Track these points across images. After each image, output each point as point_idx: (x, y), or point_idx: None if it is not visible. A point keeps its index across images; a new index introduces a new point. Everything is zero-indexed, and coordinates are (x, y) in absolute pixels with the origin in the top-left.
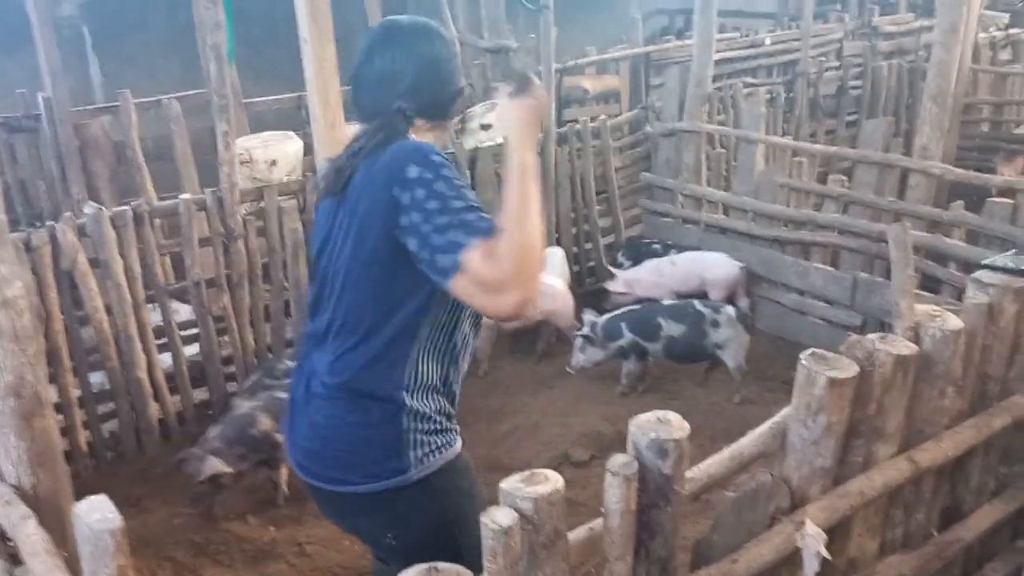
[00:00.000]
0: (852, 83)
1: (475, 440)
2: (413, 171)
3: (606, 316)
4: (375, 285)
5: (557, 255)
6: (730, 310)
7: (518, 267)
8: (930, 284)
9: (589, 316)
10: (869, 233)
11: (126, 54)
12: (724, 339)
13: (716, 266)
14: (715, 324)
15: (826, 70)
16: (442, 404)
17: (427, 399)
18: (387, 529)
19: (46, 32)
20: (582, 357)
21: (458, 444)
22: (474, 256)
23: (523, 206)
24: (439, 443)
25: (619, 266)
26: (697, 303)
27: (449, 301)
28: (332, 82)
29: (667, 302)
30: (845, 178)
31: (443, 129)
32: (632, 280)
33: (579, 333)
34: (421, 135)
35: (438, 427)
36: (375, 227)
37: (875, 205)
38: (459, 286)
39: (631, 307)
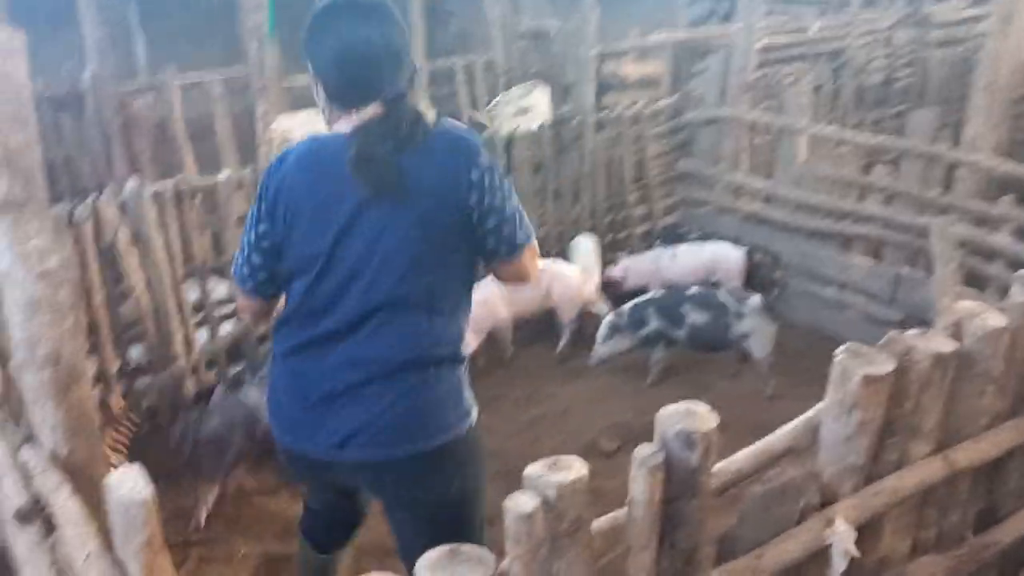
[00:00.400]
0: (901, 72)
1: (500, 429)
2: (484, 159)
3: (631, 303)
4: (446, 262)
5: (586, 245)
6: (755, 301)
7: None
8: (976, 281)
9: (603, 305)
10: (913, 227)
11: (170, 32)
12: (749, 330)
13: (725, 258)
14: (739, 315)
15: (874, 59)
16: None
17: (464, 352)
18: (452, 480)
19: (91, 9)
20: (606, 348)
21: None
22: (531, 249)
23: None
24: (472, 393)
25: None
26: (722, 293)
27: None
28: None
29: (693, 290)
30: (890, 170)
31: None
32: (629, 267)
33: (607, 319)
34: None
35: (470, 379)
36: (449, 208)
37: (920, 198)
38: (522, 258)
39: (655, 293)
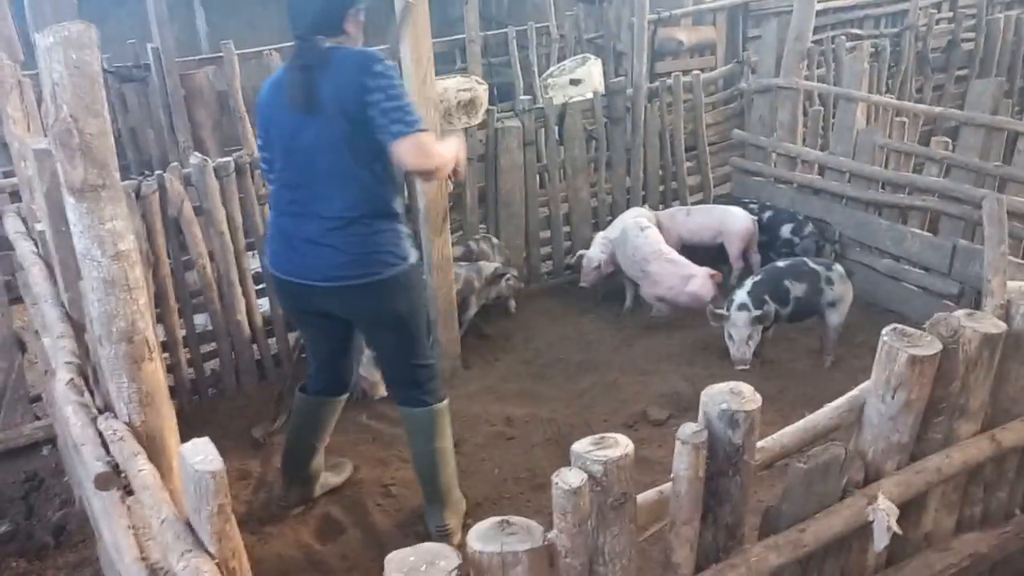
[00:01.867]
0: (964, 36)
1: (553, 395)
2: (378, 66)
3: (745, 291)
4: (364, 148)
5: (633, 216)
6: (840, 267)
7: (438, 159)
8: None
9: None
10: (971, 199)
11: (230, 5)
12: (837, 297)
13: (733, 219)
14: (829, 281)
15: (937, 22)
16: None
17: (400, 210)
18: (390, 303)
19: None
20: (749, 347)
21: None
22: (420, 136)
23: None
24: (410, 241)
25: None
26: (809, 261)
27: None
28: (425, 39)
29: (781, 263)
30: (949, 140)
31: (347, 41)
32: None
33: (743, 316)
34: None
35: (409, 231)
36: (354, 109)
37: (980, 169)
38: (402, 144)
39: (757, 277)
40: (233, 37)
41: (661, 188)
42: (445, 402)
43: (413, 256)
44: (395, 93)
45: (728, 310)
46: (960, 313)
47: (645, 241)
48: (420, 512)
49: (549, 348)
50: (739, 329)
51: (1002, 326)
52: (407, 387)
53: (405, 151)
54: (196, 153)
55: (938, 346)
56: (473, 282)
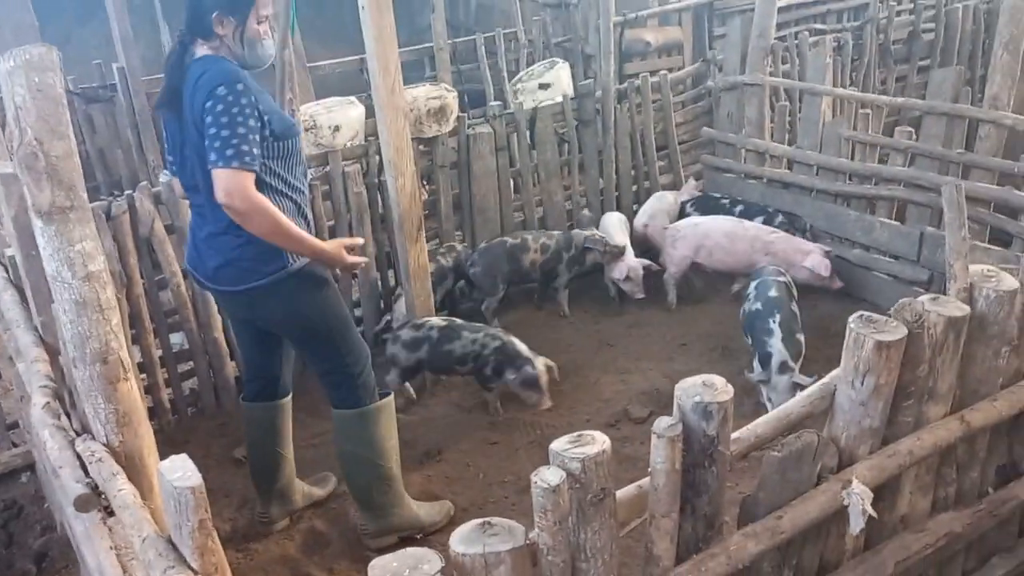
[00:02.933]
0: (925, 27)
1: None
2: (221, 89)
3: (779, 342)
4: None
5: (613, 219)
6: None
7: (251, 210)
8: (1002, 237)
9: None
10: (936, 186)
11: None
12: None
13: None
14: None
15: (898, 14)
16: (299, 222)
17: (288, 217)
18: (280, 309)
19: (117, 1)
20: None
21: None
22: (227, 173)
23: (289, 228)
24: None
25: (687, 216)
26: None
27: (274, 161)
28: (391, 48)
29: (774, 292)
30: (912, 130)
31: (224, 44)
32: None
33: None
34: (216, 51)
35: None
36: (199, 127)
37: (943, 157)
38: (213, 176)
39: (778, 322)
40: None
41: (634, 188)
42: (361, 409)
43: (294, 265)
44: (225, 121)
45: (764, 367)
46: (924, 298)
47: (759, 227)
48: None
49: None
50: (780, 395)
51: (966, 309)
52: (326, 388)
53: (214, 183)
54: (166, 171)
55: (904, 331)
56: (561, 252)
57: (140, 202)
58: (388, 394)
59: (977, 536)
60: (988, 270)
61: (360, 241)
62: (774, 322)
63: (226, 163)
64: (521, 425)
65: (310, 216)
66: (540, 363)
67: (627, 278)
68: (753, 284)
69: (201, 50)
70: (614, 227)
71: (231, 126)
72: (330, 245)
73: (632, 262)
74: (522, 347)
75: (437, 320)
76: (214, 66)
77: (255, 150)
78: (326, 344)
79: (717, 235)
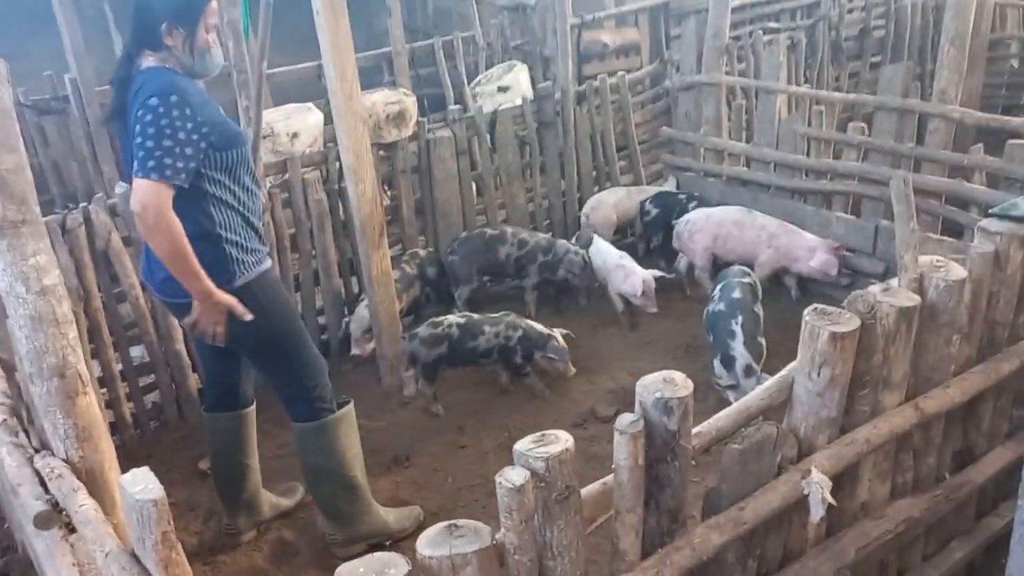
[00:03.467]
0: (875, 24)
1: (503, 400)
2: (153, 100)
3: (741, 346)
4: None
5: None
6: None
7: (156, 224)
8: (954, 229)
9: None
10: (888, 180)
11: None
12: None
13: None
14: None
15: (849, 11)
16: (249, 234)
17: (236, 232)
18: (230, 323)
19: (68, 12)
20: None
21: (266, 263)
22: (147, 184)
23: (180, 252)
24: (251, 260)
25: (646, 214)
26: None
27: (217, 172)
28: (348, 54)
29: (738, 293)
30: (864, 125)
31: (172, 55)
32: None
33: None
34: (161, 61)
35: (247, 249)
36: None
37: (895, 151)
38: (133, 184)
39: (741, 324)
40: None
41: (596, 189)
42: (320, 421)
43: (241, 278)
44: (151, 132)
45: (728, 369)
46: (876, 289)
47: (768, 218)
48: None
49: None
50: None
51: (916, 299)
52: (282, 401)
53: (133, 194)
54: (121, 183)
55: (857, 322)
56: (537, 253)
57: (96, 214)
58: (347, 403)
59: (935, 520)
60: (937, 260)
61: (248, 318)
62: (736, 324)
63: (145, 174)
64: (489, 428)
65: (259, 227)
66: (559, 337)
67: (643, 293)
68: (718, 286)
69: (148, 61)
70: (608, 247)
71: (156, 137)
72: (221, 298)
73: (645, 274)
74: (539, 326)
75: (454, 317)
76: (153, 78)
77: (180, 164)
78: (277, 357)
79: (728, 224)
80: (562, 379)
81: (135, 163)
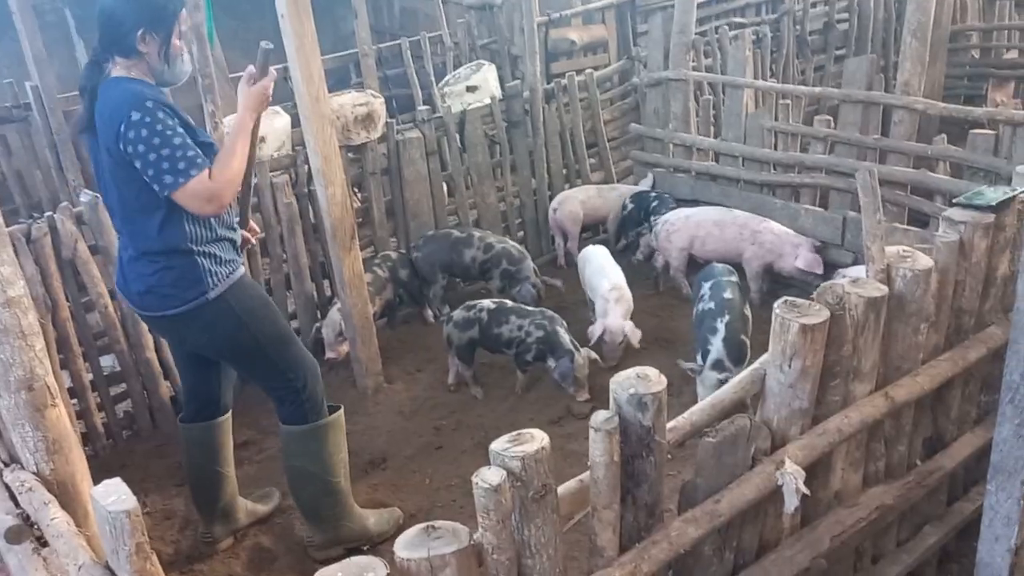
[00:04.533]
0: (839, 17)
1: (480, 403)
2: (134, 115)
3: (720, 342)
4: (130, 187)
5: (599, 254)
6: None
7: (229, 189)
8: (920, 218)
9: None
10: (855, 172)
11: None
12: None
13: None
14: None
15: (813, 5)
16: (223, 245)
17: (208, 245)
18: (205, 335)
19: (28, 19)
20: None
21: (240, 271)
22: (196, 182)
23: (229, 154)
24: (224, 271)
25: (623, 209)
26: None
27: None
28: (314, 57)
29: (729, 293)
30: (830, 118)
31: (145, 62)
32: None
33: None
34: (129, 70)
35: (220, 260)
36: (116, 153)
37: (860, 143)
38: (177, 197)
39: (725, 323)
40: None
41: (567, 187)
42: (309, 425)
43: (215, 290)
44: (157, 142)
45: (703, 360)
46: (845, 280)
47: (750, 216)
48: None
49: None
50: (706, 390)
51: (884, 289)
52: (273, 403)
53: (186, 202)
54: (86, 190)
55: (826, 314)
56: (502, 259)
57: (62, 223)
58: (337, 408)
59: (908, 507)
60: (904, 251)
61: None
62: (722, 322)
63: (186, 176)
64: (465, 428)
65: (234, 237)
66: (580, 356)
67: (604, 340)
68: (707, 285)
69: (116, 70)
70: (604, 263)
71: (165, 144)
72: (244, 100)
73: (614, 325)
74: (565, 338)
75: (488, 302)
76: (117, 93)
77: (192, 152)
78: (262, 363)
79: (708, 224)
80: (540, 376)
81: (167, 177)
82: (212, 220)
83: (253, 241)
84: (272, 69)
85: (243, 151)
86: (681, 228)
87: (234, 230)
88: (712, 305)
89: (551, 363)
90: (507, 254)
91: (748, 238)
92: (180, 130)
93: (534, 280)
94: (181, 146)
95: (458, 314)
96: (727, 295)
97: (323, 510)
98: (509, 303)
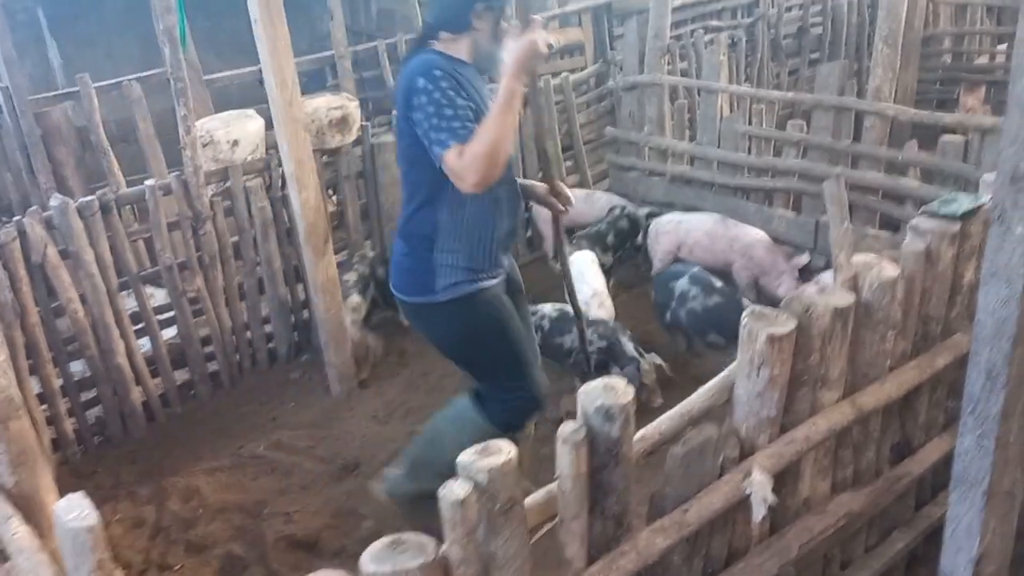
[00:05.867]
0: (813, 22)
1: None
2: (420, 82)
3: None
4: (410, 159)
5: (582, 260)
6: None
7: (479, 164)
8: (892, 223)
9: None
10: (826, 176)
11: (84, 36)
12: None
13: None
14: None
15: (788, 10)
16: (472, 251)
17: (454, 244)
18: (429, 332)
19: None
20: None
21: (482, 284)
22: (452, 153)
23: (483, 127)
24: (464, 279)
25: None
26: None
27: None
28: (287, 61)
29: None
30: (803, 123)
31: (474, 38)
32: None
33: None
34: (448, 45)
35: (462, 267)
36: (403, 119)
37: (832, 148)
38: (444, 170)
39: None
40: (90, 69)
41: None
42: (485, 425)
43: (446, 294)
44: (432, 110)
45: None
46: (812, 289)
47: (747, 229)
48: (319, 537)
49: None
50: None
51: (851, 298)
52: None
53: (447, 172)
54: (57, 194)
55: (794, 323)
56: None
57: (31, 227)
58: (517, 437)
59: (877, 512)
60: (871, 259)
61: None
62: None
63: (442, 149)
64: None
65: (504, 244)
66: (646, 363)
67: None
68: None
69: (436, 46)
70: (585, 270)
71: (435, 114)
72: (507, 60)
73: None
74: (629, 346)
75: (549, 309)
76: (415, 63)
77: (470, 124)
78: (479, 370)
79: (698, 234)
80: None
81: (435, 148)
82: (471, 222)
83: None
84: (536, 17)
85: (500, 115)
86: (671, 232)
87: (494, 240)
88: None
89: (615, 371)
90: None
91: (738, 251)
92: (460, 102)
93: None
94: (450, 117)
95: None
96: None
97: (424, 474)
98: (570, 311)
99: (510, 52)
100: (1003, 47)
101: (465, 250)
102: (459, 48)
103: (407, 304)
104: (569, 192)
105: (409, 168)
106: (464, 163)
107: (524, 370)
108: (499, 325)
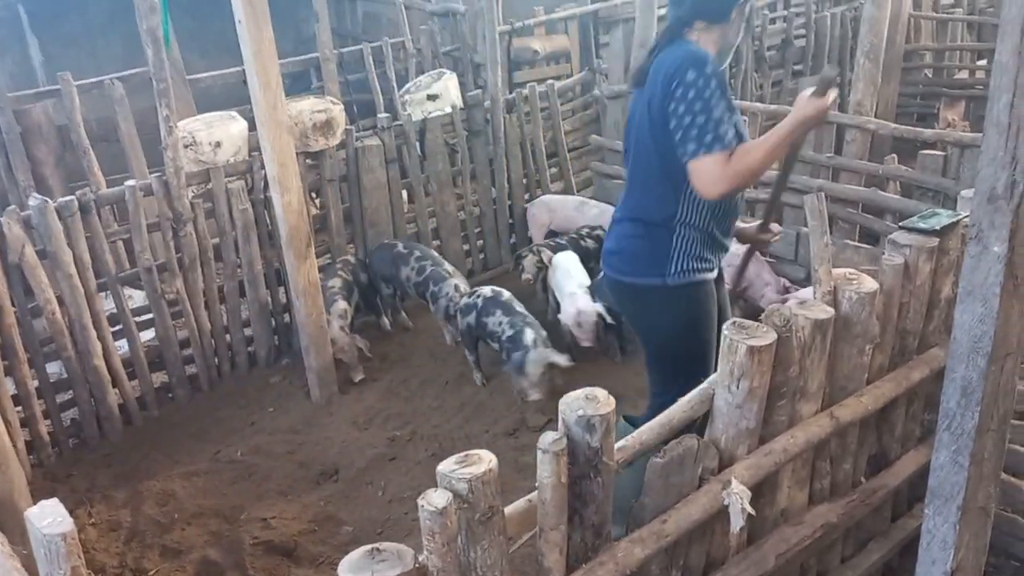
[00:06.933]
0: (797, 34)
1: (433, 411)
2: (690, 75)
3: None
4: (656, 148)
5: (568, 260)
6: None
7: (739, 179)
8: (872, 235)
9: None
10: (808, 189)
11: (66, 34)
12: None
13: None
14: None
15: (772, 22)
16: (705, 240)
17: (692, 232)
18: (642, 315)
19: None
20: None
21: (706, 276)
22: (713, 159)
23: (757, 147)
24: (694, 267)
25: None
26: None
27: None
28: (272, 63)
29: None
30: None
31: (724, 31)
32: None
33: None
34: (700, 36)
35: (695, 255)
36: (658, 107)
37: (814, 161)
38: (691, 168)
39: None
40: (72, 67)
41: (527, 196)
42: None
43: (675, 278)
44: (699, 107)
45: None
46: (792, 302)
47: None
48: (297, 543)
49: (425, 365)
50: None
51: (830, 311)
52: (649, 394)
53: (697, 176)
54: (36, 194)
55: (773, 336)
56: (429, 283)
57: (8, 227)
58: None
59: (853, 524)
60: (850, 273)
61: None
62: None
63: (700, 151)
64: (420, 439)
65: (727, 243)
66: (534, 354)
67: (577, 324)
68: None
69: (691, 36)
70: (571, 267)
71: (701, 112)
72: (796, 109)
73: (586, 306)
74: (529, 336)
75: (488, 289)
76: (683, 52)
77: (731, 131)
78: (668, 368)
79: None
80: (497, 386)
81: (690, 145)
82: (708, 213)
83: (771, 240)
84: (832, 92)
85: (772, 150)
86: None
87: (727, 235)
88: None
89: (506, 359)
90: (432, 278)
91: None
92: (724, 105)
93: (452, 295)
94: (719, 120)
95: (465, 299)
96: None
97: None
98: (504, 296)
99: (806, 107)
100: (983, 62)
101: (700, 238)
102: (709, 39)
103: (629, 286)
104: (779, 228)
105: (654, 154)
106: (724, 173)
107: (708, 372)
108: (709, 320)
